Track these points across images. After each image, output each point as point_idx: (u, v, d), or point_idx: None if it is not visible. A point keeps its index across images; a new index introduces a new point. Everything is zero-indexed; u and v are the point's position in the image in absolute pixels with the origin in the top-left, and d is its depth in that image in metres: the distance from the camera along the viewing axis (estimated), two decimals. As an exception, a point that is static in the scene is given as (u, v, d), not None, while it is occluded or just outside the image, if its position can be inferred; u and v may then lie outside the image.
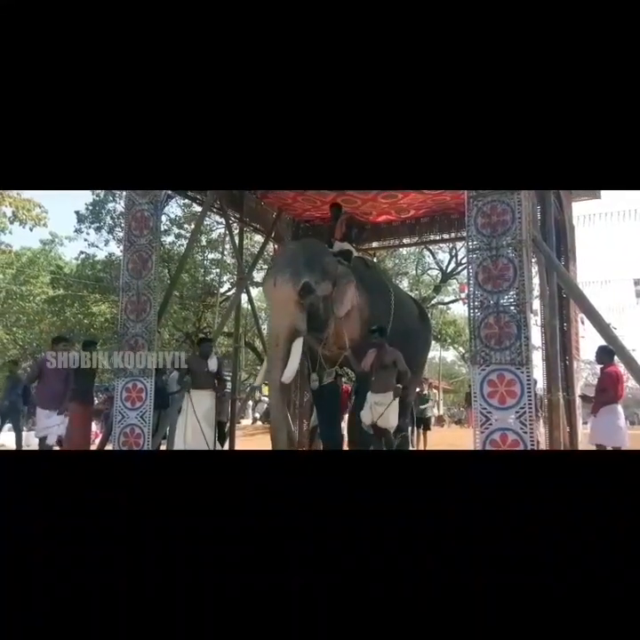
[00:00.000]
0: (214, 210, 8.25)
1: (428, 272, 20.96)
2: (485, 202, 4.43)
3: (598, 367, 6.01)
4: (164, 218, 14.38)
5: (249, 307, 9.65)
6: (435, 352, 23.13)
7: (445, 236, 9.01)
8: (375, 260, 12.67)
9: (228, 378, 9.23)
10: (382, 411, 5.47)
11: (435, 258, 19.86)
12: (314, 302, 5.58)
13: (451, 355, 28.68)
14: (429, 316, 13.34)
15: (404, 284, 18.73)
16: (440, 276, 20.03)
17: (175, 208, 16.41)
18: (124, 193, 7.59)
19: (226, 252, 13.16)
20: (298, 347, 5.50)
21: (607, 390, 5.52)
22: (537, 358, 6.05)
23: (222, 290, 16.55)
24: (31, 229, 12.04)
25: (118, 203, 16.38)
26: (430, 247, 17.54)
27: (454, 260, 19.02)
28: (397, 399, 5.59)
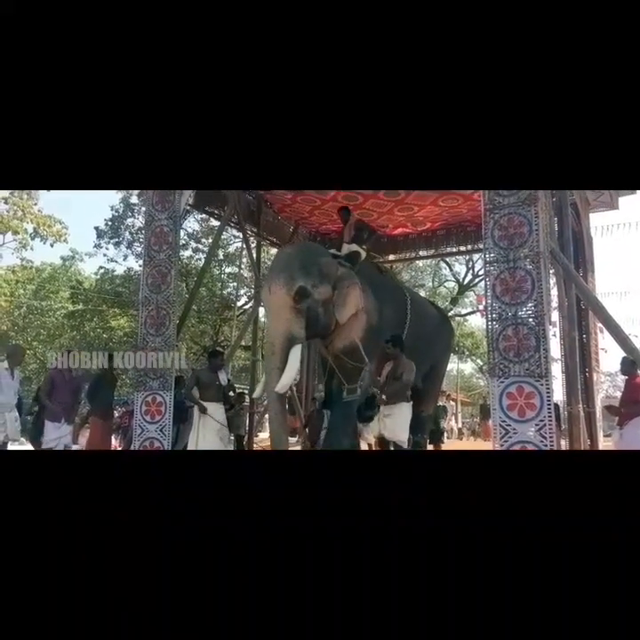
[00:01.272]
0: (232, 224, 8.34)
1: (445, 284, 20.93)
2: (502, 214, 4.44)
3: (618, 379, 5.94)
4: (182, 232, 14.53)
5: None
6: (452, 364, 22.98)
7: (462, 249, 9.03)
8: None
9: (246, 391, 9.28)
10: (389, 423, 5.24)
11: (451, 270, 19.84)
12: (312, 307, 5.32)
13: (468, 367, 28.50)
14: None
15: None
16: (457, 288, 19.98)
17: (193, 223, 16.59)
18: (144, 208, 7.70)
19: (243, 266, 13.25)
20: (296, 355, 5.28)
21: (638, 402, 5.38)
22: (556, 370, 6.02)
23: (239, 303, 16.65)
24: (52, 245, 12.27)
25: (137, 218, 16.60)
26: (446, 259, 17.53)
27: (471, 272, 18.96)
28: (409, 412, 5.33)
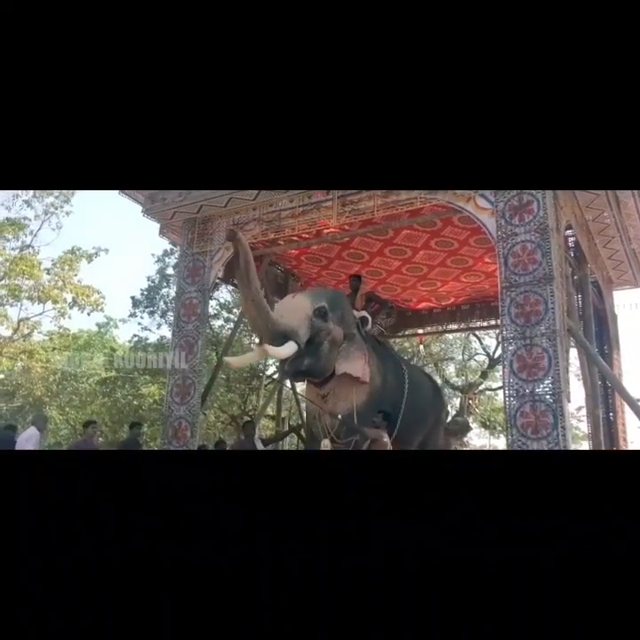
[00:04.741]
0: (260, 296, 8.55)
1: (475, 357, 20.72)
2: (518, 292, 4.53)
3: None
4: (213, 302, 14.92)
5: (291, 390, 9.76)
6: (484, 440, 22.38)
7: (486, 323, 9.09)
8: (422, 346, 12.53)
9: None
10: None
11: (481, 343, 19.66)
12: (321, 333, 5.26)
13: (501, 443, 27.68)
14: (474, 402, 12.83)
15: (451, 370, 18.50)
16: (487, 361, 19.76)
17: (225, 293, 17.01)
18: (176, 280, 7.99)
19: (271, 337, 13.42)
20: (291, 347, 5.03)
21: None
22: (584, 448, 5.91)
23: (268, 373, 16.78)
24: (89, 314, 12.70)
25: (171, 288, 17.09)
26: (477, 332, 17.46)
27: (500, 345, 18.76)
28: None
